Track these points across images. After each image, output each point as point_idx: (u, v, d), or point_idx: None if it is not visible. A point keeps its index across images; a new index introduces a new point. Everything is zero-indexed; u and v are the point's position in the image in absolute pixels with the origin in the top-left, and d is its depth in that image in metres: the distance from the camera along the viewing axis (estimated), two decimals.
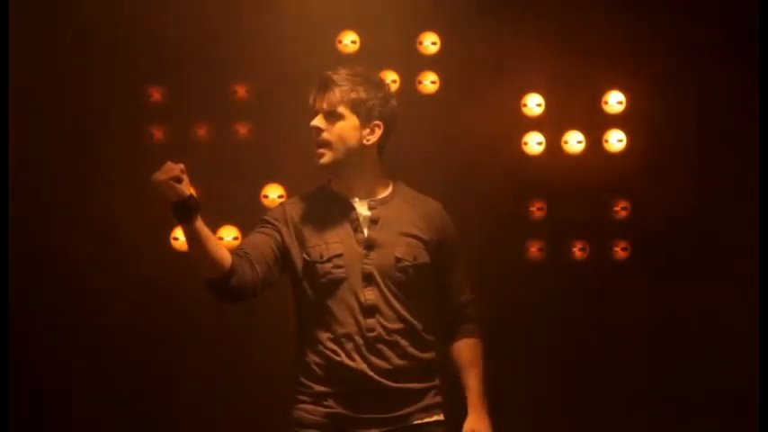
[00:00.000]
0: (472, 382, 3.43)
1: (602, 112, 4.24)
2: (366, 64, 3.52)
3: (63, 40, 4.25)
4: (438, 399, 3.42)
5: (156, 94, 4.34)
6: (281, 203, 3.54)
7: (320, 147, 3.35)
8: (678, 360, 4.13)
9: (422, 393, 3.39)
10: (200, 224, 3.17)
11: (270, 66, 4.25)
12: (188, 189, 3.13)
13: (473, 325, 3.50)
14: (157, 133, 4.34)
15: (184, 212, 3.14)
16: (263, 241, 3.38)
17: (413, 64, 4.29)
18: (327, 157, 3.36)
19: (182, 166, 3.12)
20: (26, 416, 4.09)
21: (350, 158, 3.38)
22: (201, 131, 4.36)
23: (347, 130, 3.36)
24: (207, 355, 4.16)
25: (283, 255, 3.40)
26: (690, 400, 4.10)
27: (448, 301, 3.47)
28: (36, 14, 4.18)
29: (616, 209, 4.23)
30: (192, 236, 3.18)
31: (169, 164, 3.13)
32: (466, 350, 3.46)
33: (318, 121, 3.35)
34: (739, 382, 4.05)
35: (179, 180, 3.11)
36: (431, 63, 4.30)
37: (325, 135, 3.35)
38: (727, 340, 4.08)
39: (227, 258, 3.25)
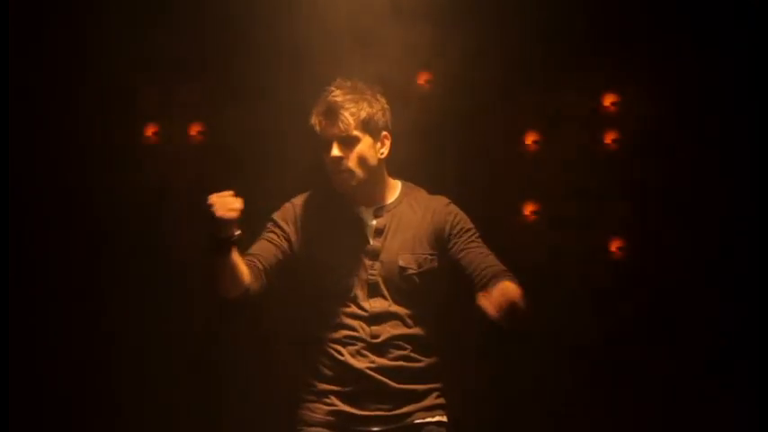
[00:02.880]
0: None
1: (598, 112, 4.25)
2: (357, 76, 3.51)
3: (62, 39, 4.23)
4: (441, 400, 3.44)
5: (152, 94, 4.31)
6: (290, 203, 3.50)
7: (343, 173, 3.36)
8: (678, 360, 4.15)
9: (424, 394, 3.41)
10: (235, 255, 3.21)
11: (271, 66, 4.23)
12: (237, 227, 3.17)
13: (513, 282, 3.26)
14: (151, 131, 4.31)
15: (226, 247, 3.18)
16: (269, 249, 3.40)
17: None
18: (353, 181, 3.35)
19: (241, 200, 3.14)
20: (26, 417, 4.11)
21: (370, 176, 3.39)
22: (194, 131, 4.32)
23: (365, 151, 3.36)
24: (210, 354, 4.17)
25: (288, 259, 3.42)
26: (690, 400, 4.13)
27: (479, 274, 3.33)
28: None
29: (614, 208, 4.24)
30: (225, 264, 3.20)
31: (230, 198, 3.14)
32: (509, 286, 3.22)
33: (336, 151, 3.33)
34: (740, 382, 4.07)
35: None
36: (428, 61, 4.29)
37: (346, 163, 3.34)
38: (727, 339, 4.10)
39: (246, 279, 3.29)
